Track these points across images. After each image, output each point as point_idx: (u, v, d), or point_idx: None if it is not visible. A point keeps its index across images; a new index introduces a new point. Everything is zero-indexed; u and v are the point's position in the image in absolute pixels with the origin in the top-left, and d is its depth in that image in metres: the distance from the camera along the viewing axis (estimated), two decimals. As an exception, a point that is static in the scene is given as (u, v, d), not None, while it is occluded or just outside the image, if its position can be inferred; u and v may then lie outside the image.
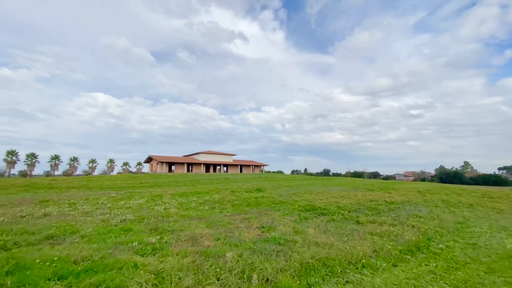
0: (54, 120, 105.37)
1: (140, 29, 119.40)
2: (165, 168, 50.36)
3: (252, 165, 66.27)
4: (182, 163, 52.94)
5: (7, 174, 54.66)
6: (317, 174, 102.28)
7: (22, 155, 60.31)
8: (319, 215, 10.64)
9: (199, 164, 54.71)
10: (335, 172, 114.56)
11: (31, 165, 58.91)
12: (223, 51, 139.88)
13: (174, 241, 6.36)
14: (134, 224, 8.51)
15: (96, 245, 5.86)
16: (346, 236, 7.05)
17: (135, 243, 6.04)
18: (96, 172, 71.08)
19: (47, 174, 61.71)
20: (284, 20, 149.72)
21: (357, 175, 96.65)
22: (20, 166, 60.93)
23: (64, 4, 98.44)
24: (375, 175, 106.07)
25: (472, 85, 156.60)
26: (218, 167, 60.01)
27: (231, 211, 12.18)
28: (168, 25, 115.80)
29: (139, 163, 75.58)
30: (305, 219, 9.69)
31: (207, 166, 57.32)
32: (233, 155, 63.53)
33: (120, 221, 8.95)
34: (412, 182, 40.59)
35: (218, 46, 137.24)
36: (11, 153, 55.70)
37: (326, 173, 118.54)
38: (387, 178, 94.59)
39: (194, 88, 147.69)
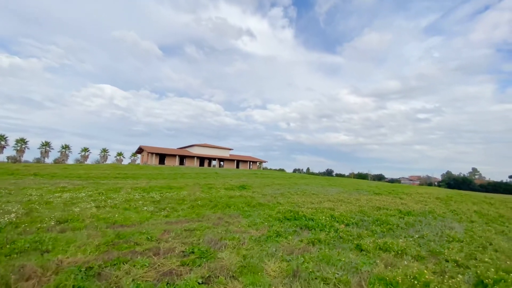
0: (62, 109, 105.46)
1: (149, 23, 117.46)
2: (155, 160, 47.23)
3: (250, 161, 62.77)
4: (174, 156, 49.73)
5: (-7, 159, 52.36)
6: (320, 174, 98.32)
7: (33, 143, 57.78)
8: (301, 228, 7.11)
9: (193, 157, 51.42)
10: (338, 173, 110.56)
11: (20, 151, 56.42)
12: (230, 47, 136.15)
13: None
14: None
15: None
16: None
17: None
18: (89, 161, 68.75)
19: (38, 161, 59.50)
20: (293, 18, 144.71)
21: (361, 176, 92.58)
22: (9, 151, 58.80)
23: None
24: (379, 178, 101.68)
25: (483, 91, 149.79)
26: (214, 161, 56.71)
27: (182, 215, 8.76)
28: (176, 19, 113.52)
29: (134, 154, 72.93)
30: (277, 236, 6.17)
31: (201, 159, 54.01)
32: (229, 149, 60.07)
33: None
34: (424, 187, 36.60)
35: (226, 42, 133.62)
36: (0, 137, 53.35)
37: (329, 173, 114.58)
38: (392, 181, 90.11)
39: (200, 83, 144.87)
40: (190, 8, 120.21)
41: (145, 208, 9.37)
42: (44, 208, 8.30)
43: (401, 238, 6.30)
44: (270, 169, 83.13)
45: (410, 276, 3.84)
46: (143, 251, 4.77)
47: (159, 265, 4.04)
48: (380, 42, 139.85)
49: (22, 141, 57.88)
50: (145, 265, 4.00)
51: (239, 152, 70.40)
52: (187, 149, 56.40)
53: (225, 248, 5.04)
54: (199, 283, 3.46)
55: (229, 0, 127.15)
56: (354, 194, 17.03)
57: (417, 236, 6.60)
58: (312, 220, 7.81)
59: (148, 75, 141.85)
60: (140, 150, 53.57)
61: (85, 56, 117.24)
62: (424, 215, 9.72)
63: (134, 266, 3.91)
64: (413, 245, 5.70)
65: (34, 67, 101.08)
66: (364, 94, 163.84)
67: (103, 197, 11.23)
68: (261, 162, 68.95)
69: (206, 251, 4.78)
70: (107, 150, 70.08)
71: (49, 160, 62.08)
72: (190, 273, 3.82)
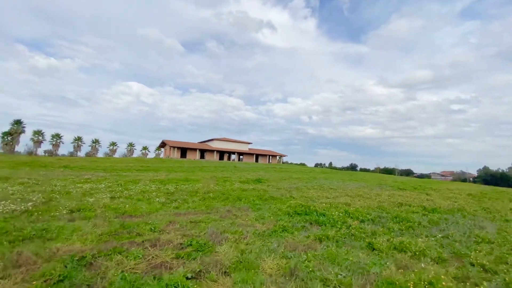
0: (94, 106, 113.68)
1: (172, 20, 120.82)
2: (176, 154, 48.64)
3: (269, 155, 62.43)
4: (195, 149, 50.85)
5: (34, 153, 57.22)
6: (343, 169, 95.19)
7: (67, 138, 62.94)
8: (311, 223, 6.73)
9: (212, 151, 52.21)
10: (362, 167, 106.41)
11: (56, 145, 61.12)
12: (250, 40, 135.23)
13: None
14: None
15: None
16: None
17: None
18: (116, 155, 72.84)
19: (71, 154, 64.22)
20: (316, 8, 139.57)
21: (387, 171, 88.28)
22: (46, 146, 63.73)
23: None
24: (407, 173, 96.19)
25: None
26: (233, 155, 57.19)
27: (192, 206, 8.75)
28: (198, 15, 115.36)
29: (158, 148, 75.86)
30: (283, 230, 5.87)
31: (221, 153, 54.67)
32: (248, 143, 60.13)
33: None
34: (456, 182, 33.86)
35: (246, 35, 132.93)
36: (38, 133, 58.02)
37: (352, 168, 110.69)
38: (421, 176, 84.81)
39: (221, 78, 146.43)
40: (211, 3, 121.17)
41: (157, 199, 9.50)
42: (63, 198, 8.71)
43: (421, 238, 5.69)
44: (291, 163, 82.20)
45: (425, 281, 3.36)
46: (142, 241, 4.72)
47: (152, 257, 3.94)
48: (409, 29, 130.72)
49: (57, 136, 62.50)
50: (139, 256, 3.92)
51: (259, 146, 70.46)
52: (207, 143, 57.39)
53: (225, 241, 4.84)
54: (187, 278, 3.28)
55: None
56: (376, 189, 16.11)
57: (440, 235, 5.93)
58: (323, 215, 7.38)
59: (171, 72, 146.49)
60: (163, 144, 55.50)
61: (113, 55, 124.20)
62: (452, 213, 8.82)
63: (127, 257, 3.84)
64: (434, 246, 5.10)
65: (68, 67, 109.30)
66: (392, 85, 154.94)
67: (120, 188, 11.63)
68: (280, 156, 68.38)
69: (205, 244, 4.61)
70: (133, 144, 73.64)
71: (81, 153, 66.63)
72: (182, 267, 3.67)
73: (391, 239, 5.24)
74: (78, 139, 64.47)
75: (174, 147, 48.68)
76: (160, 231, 5.57)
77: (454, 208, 9.60)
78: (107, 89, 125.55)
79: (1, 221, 5.34)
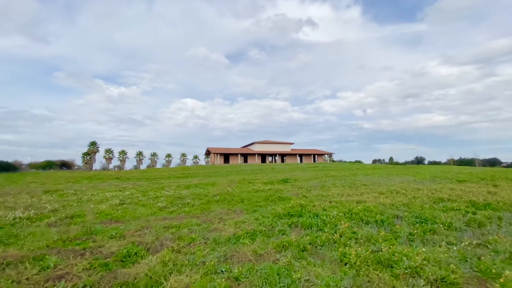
0: (157, 124, 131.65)
1: (215, 36, 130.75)
2: (219, 160, 50.35)
3: (314, 154, 59.39)
4: (236, 154, 51.81)
5: (106, 168, 66.88)
6: (407, 163, 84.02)
7: (131, 153, 72.94)
8: (296, 226, 5.52)
9: (254, 154, 52.36)
10: (432, 160, 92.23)
11: (122, 161, 70.19)
12: (292, 41, 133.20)
13: None
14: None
15: None
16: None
17: None
18: (172, 165, 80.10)
19: (135, 167, 73.08)
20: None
21: (465, 162, 74.24)
22: (115, 162, 73.87)
23: (156, 28, 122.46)
24: (492, 163, 79.27)
25: None
26: (276, 157, 56.26)
27: (187, 211, 8.40)
28: (237, 27, 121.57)
29: (206, 156, 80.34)
30: (250, 236, 4.87)
31: (263, 156, 54.39)
32: (291, 143, 58.37)
33: None
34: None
35: (287, 37, 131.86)
36: (108, 151, 67.60)
37: (419, 162, 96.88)
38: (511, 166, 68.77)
39: (265, 83, 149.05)
40: (249, 13, 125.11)
41: (158, 204, 9.45)
42: (76, 206, 9.35)
43: (439, 246, 3.98)
44: (344, 161, 76.66)
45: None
46: (83, 249, 4.41)
47: (61, 268, 3.53)
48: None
49: (123, 153, 71.61)
50: (50, 266, 3.56)
51: (309, 146, 67.77)
52: (249, 147, 57.93)
53: (164, 249, 4.17)
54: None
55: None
56: (425, 183, 13.22)
57: (475, 243, 4.06)
58: (317, 216, 6.04)
59: (219, 84, 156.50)
60: (208, 152, 58.33)
61: (169, 77, 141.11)
62: (516, 210, 6.29)
63: (35, 266, 3.52)
64: (449, 259, 3.42)
65: (134, 92, 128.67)
66: (461, 62, 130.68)
67: (137, 195, 12.11)
68: (329, 155, 64.41)
69: (136, 253, 4.02)
70: (185, 154, 79.65)
71: (143, 166, 75.10)
72: (78, 280, 3.14)
73: (382, 249, 3.74)
74: (140, 153, 72.91)
75: (217, 154, 50.55)
76: (119, 237, 5.24)
77: (525, 203, 6.88)
78: (167, 108, 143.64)
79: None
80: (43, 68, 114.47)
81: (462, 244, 4.00)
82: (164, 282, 3.04)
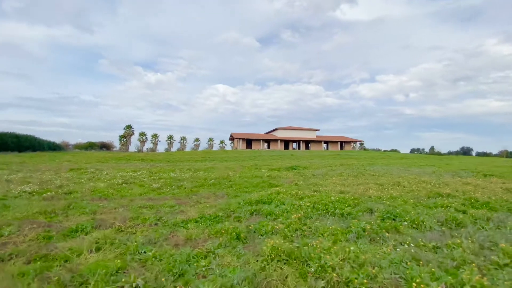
0: (191, 109, 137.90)
1: (246, 18, 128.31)
2: (242, 145, 50.98)
3: (341, 141, 56.91)
4: (259, 140, 51.90)
5: (141, 150, 72.03)
6: (450, 154, 76.23)
7: (163, 137, 78.02)
8: (257, 214, 5.39)
9: (276, 140, 51.94)
10: (481, 151, 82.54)
11: (155, 144, 74.81)
12: (328, 21, 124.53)
13: None
14: None
15: None
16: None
17: None
18: (200, 148, 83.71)
19: (166, 150, 77.76)
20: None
21: (521, 154, 65.16)
22: (148, 144, 79.11)
23: (190, 14, 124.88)
24: (559, 155, 68.17)
25: None
26: (300, 143, 55.15)
27: (175, 192, 8.72)
28: (270, 8, 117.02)
29: (232, 140, 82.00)
30: (190, 223, 4.88)
31: (286, 142, 53.71)
32: (316, 130, 56.48)
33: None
34: None
35: (322, 16, 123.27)
36: (142, 134, 72.35)
37: (465, 152, 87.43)
38: None
39: (298, 67, 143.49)
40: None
41: (153, 185, 9.93)
42: (85, 183, 10.25)
43: (386, 246, 3.56)
44: (379, 150, 72.41)
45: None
46: (48, 222, 4.83)
47: (12, 237, 3.91)
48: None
49: (155, 136, 76.01)
50: (3, 234, 3.97)
51: (343, 133, 65.03)
52: (272, 133, 57.50)
53: (104, 229, 4.37)
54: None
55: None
56: (444, 176, 11.90)
57: (431, 245, 3.55)
58: (284, 204, 5.81)
59: (250, 69, 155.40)
60: (232, 137, 59.31)
61: (202, 63, 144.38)
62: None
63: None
64: (381, 261, 3.04)
65: (170, 79, 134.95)
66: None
67: (144, 176, 12.86)
68: (360, 142, 61.25)
69: (82, 229, 4.29)
70: (212, 139, 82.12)
71: (173, 149, 79.45)
72: (14, 247, 3.46)
73: (309, 244, 3.45)
74: (170, 137, 77.04)
75: (239, 139, 51.19)
76: (91, 214, 5.63)
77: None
78: (200, 94, 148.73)
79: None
80: (89, 56, 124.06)
81: (413, 245, 3.52)
82: (76, 258, 3.20)
